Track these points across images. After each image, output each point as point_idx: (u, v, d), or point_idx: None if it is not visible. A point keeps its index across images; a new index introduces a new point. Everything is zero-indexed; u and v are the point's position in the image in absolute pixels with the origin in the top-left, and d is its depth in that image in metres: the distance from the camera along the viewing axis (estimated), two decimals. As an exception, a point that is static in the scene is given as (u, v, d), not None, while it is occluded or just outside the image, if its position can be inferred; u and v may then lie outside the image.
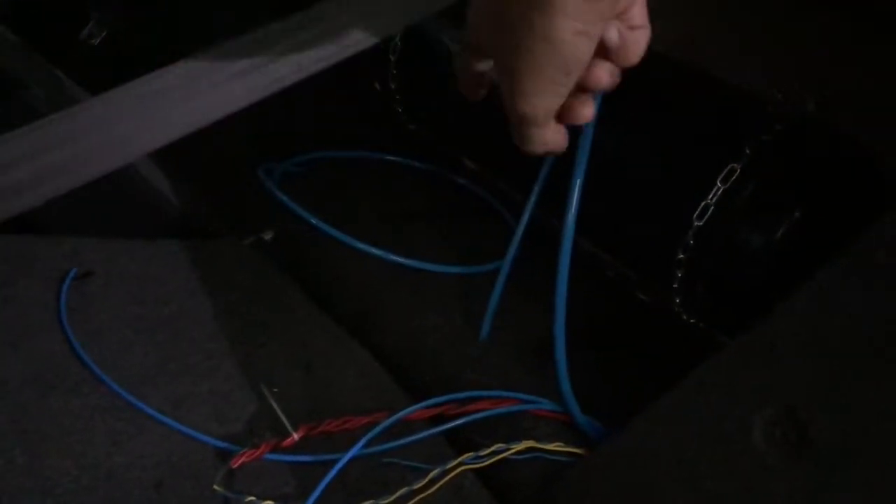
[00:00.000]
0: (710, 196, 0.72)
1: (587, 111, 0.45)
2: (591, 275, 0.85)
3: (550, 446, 0.64)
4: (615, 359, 0.79)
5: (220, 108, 0.47)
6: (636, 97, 0.77)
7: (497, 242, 0.86)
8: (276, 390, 0.68)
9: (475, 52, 0.46)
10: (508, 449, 0.63)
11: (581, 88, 0.44)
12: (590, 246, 0.86)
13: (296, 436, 0.63)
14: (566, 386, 0.65)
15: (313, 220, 0.90)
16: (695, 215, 0.73)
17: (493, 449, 0.63)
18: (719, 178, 0.72)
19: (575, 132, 0.72)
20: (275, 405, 0.66)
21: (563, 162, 0.77)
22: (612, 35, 0.43)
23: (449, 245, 0.92)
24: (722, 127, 0.75)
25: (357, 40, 0.51)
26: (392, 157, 1.03)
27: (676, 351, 0.77)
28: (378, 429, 0.63)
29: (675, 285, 0.77)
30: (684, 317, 0.79)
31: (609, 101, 0.68)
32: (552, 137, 0.45)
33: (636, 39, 0.44)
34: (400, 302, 0.84)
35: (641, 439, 0.61)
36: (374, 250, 0.88)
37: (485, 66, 0.47)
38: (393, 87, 1.03)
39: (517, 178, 0.95)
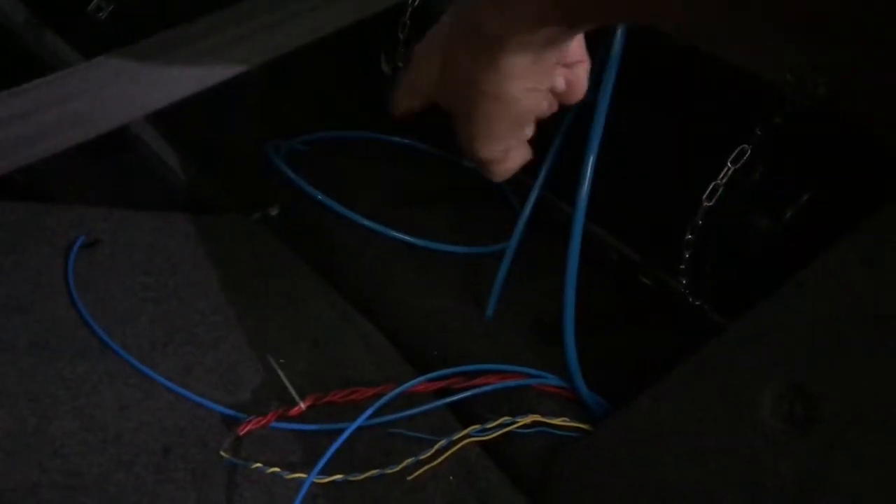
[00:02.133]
0: (720, 176, 0.72)
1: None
2: (595, 257, 0.85)
3: (556, 421, 0.64)
4: (620, 339, 0.80)
5: (219, 73, 0.47)
6: (647, 80, 0.78)
7: (502, 224, 0.87)
8: (282, 361, 0.68)
9: (416, 92, 0.46)
10: (514, 422, 0.63)
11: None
12: (594, 227, 0.87)
13: (302, 405, 0.63)
14: (573, 361, 0.65)
15: (319, 196, 0.90)
16: (704, 196, 0.73)
17: (499, 422, 0.63)
18: (729, 159, 0.72)
19: (587, 114, 0.73)
20: (282, 375, 0.66)
21: (569, 144, 0.78)
22: (559, 83, 0.44)
23: (454, 225, 0.92)
24: (733, 108, 0.75)
25: (360, 6, 0.51)
26: (400, 140, 1.03)
27: (681, 332, 0.77)
28: (384, 399, 0.63)
29: (682, 266, 0.77)
30: (690, 299, 0.79)
31: (620, 84, 0.69)
32: (513, 165, 0.46)
33: (578, 76, 0.45)
34: (406, 280, 0.84)
35: (647, 415, 0.61)
36: (380, 228, 0.88)
37: (420, 103, 0.47)
38: (401, 66, 1.03)
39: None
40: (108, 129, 0.43)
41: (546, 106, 0.44)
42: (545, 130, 0.79)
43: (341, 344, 0.74)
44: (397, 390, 0.64)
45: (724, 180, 0.72)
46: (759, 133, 0.71)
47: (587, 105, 0.73)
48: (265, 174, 0.93)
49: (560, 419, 0.64)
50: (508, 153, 0.45)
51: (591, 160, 0.65)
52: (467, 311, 0.81)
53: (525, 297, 0.83)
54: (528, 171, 0.81)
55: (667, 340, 0.77)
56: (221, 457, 0.59)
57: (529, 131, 0.44)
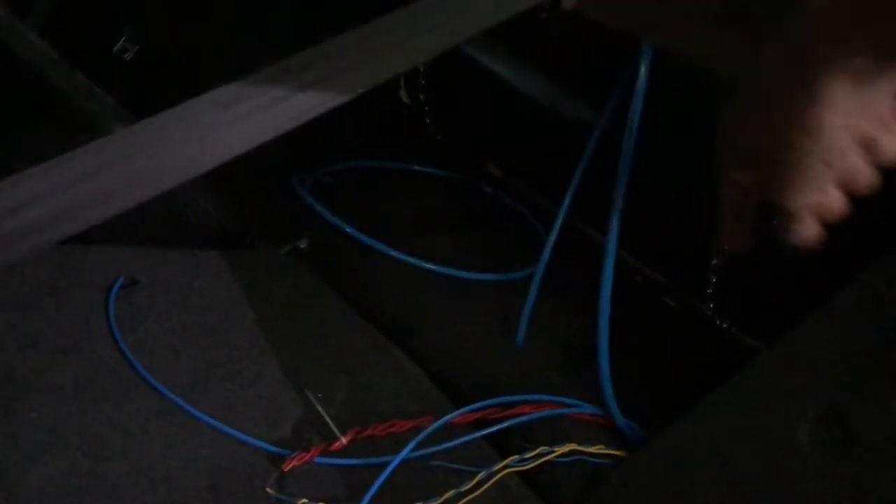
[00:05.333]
0: (746, 200, 0.73)
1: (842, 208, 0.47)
2: (622, 281, 0.86)
3: (592, 449, 0.65)
4: (650, 364, 0.80)
5: (256, 136, 0.47)
6: (671, 105, 0.79)
7: (526, 249, 0.89)
8: (320, 395, 0.69)
9: (734, 162, 0.50)
10: (552, 451, 0.65)
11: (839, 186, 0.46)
12: (620, 251, 0.87)
13: (344, 440, 0.64)
14: (608, 389, 0.66)
15: (348, 229, 0.91)
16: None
17: (536, 452, 0.64)
18: (754, 184, 0.73)
19: (611, 139, 0.74)
20: (321, 410, 0.67)
21: (594, 169, 0.80)
22: (883, 142, 0.44)
23: (479, 252, 0.93)
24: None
25: (389, 67, 0.52)
26: (421, 168, 1.05)
27: (710, 355, 0.78)
28: (426, 432, 0.64)
29: (709, 290, 0.78)
30: (717, 322, 0.80)
31: (646, 109, 0.70)
32: (809, 233, 0.48)
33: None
34: (436, 309, 0.86)
35: (683, 440, 0.62)
36: (408, 258, 0.89)
37: (743, 175, 0.51)
38: (421, 98, 1.05)
39: (544, 185, 0.98)
40: (161, 192, 0.45)
41: (858, 164, 0.45)
42: (570, 155, 0.81)
43: (376, 375, 0.75)
44: (437, 424, 0.65)
45: (749, 205, 0.73)
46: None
47: (610, 131, 0.76)
48: (293, 207, 0.95)
49: (596, 447, 0.66)
50: (808, 211, 0.46)
51: (622, 187, 0.66)
52: (498, 339, 0.82)
53: (554, 323, 0.84)
54: (552, 195, 0.84)
55: (696, 363, 0.78)
56: (268, 493, 0.60)
57: (829, 177, 0.45)
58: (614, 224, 0.62)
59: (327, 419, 0.66)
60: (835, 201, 0.47)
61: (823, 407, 0.55)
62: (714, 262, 0.76)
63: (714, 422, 0.61)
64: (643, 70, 0.67)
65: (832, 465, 0.53)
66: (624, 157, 0.67)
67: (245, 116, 0.45)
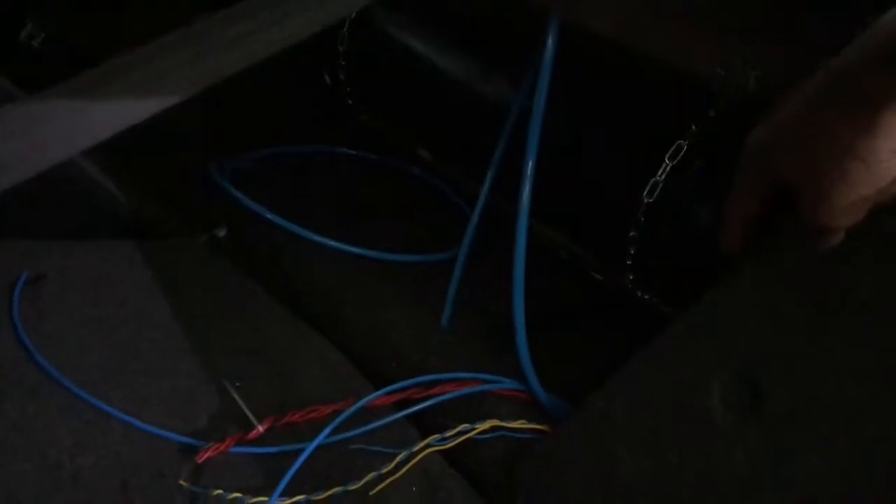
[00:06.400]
0: (659, 173, 0.73)
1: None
2: (546, 256, 0.86)
3: (514, 424, 0.65)
4: (574, 338, 0.81)
5: (158, 102, 0.46)
6: (584, 82, 0.79)
7: (453, 230, 0.87)
8: (238, 385, 0.68)
9: (765, 175, 0.51)
10: (473, 429, 0.64)
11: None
12: (543, 228, 0.87)
13: (261, 428, 0.63)
14: (526, 363, 0.66)
15: (268, 215, 0.89)
16: (644, 193, 0.74)
17: (458, 429, 0.64)
18: (667, 156, 0.73)
19: (525, 117, 0.74)
20: (238, 399, 0.66)
21: (515, 148, 0.79)
22: None
23: (406, 235, 0.92)
24: (668, 105, 0.77)
25: (299, 29, 0.51)
26: (345, 150, 1.03)
27: (633, 328, 0.78)
28: (343, 416, 0.63)
29: (628, 262, 0.78)
30: (639, 293, 0.81)
31: (556, 86, 0.70)
32: (836, 241, 0.50)
33: None
34: (360, 293, 0.84)
35: (601, 412, 0.62)
36: (330, 243, 0.87)
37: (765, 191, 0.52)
38: (342, 78, 1.03)
39: (470, 166, 0.95)
40: (47, 167, 0.43)
41: None
42: (493, 134, 0.81)
43: (298, 363, 0.73)
44: (356, 406, 0.64)
45: (662, 176, 0.73)
46: (694, 128, 0.73)
47: (528, 109, 0.74)
48: (210, 194, 0.92)
49: (518, 422, 0.65)
50: (843, 228, 0.48)
51: (530, 162, 0.66)
52: (423, 321, 0.81)
53: (479, 303, 0.83)
54: (478, 176, 0.83)
55: (620, 336, 0.78)
56: (181, 486, 0.58)
57: (874, 201, 0.46)
58: (525, 195, 0.61)
59: (244, 408, 0.65)
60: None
61: (733, 371, 0.56)
62: (632, 233, 0.76)
63: (629, 392, 0.61)
64: (550, 42, 0.66)
65: (743, 428, 0.54)
66: (532, 128, 0.66)
67: (138, 86, 0.43)
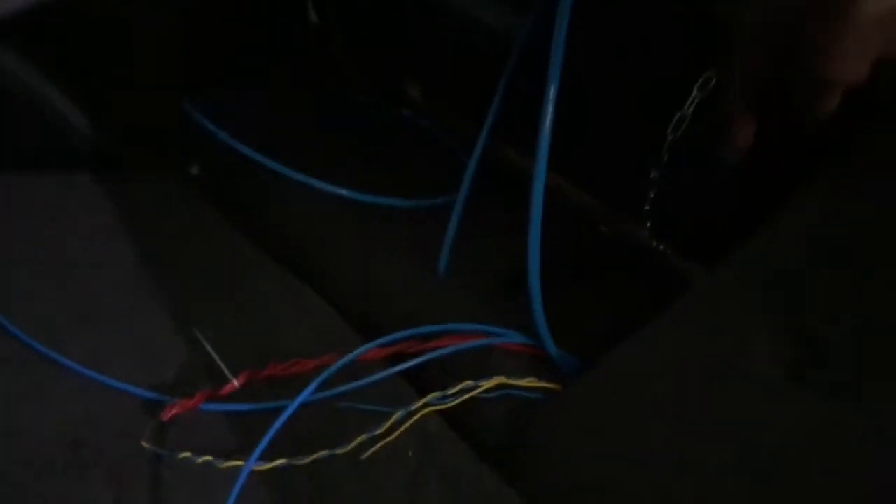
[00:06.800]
0: (686, 106, 0.66)
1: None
2: (551, 205, 0.80)
3: (522, 382, 0.58)
4: (583, 290, 0.73)
5: None
6: (602, 11, 0.71)
7: (446, 174, 0.80)
8: (210, 335, 0.60)
9: (755, 37, 0.51)
10: (477, 386, 0.57)
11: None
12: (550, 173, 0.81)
13: (236, 382, 0.55)
14: (540, 316, 0.58)
15: (246, 151, 0.81)
16: (669, 128, 0.67)
17: (460, 387, 0.56)
18: (696, 86, 0.66)
19: (533, 57, 0.67)
20: (210, 350, 0.58)
21: (514, 88, 0.71)
22: None
23: (396, 178, 0.84)
24: (699, 33, 0.69)
25: None
26: (332, 89, 0.95)
27: (648, 282, 0.72)
28: (330, 370, 0.55)
29: (646, 208, 0.71)
30: (654, 243, 0.74)
31: (572, 18, 0.62)
32: (831, 108, 0.51)
33: None
34: (347, 239, 0.76)
35: (622, 371, 0.55)
36: (315, 182, 0.79)
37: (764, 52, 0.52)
38: (327, 13, 0.96)
39: (465, 105, 0.89)
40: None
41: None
42: (493, 69, 0.74)
43: (278, 313, 0.66)
44: (344, 359, 0.56)
45: (690, 110, 0.66)
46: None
47: (531, 48, 0.68)
48: (185, 129, 0.84)
49: (527, 380, 0.58)
50: (857, 77, 0.48)
51: (550, 103, 0.57)
52: (417, 270, 0.74)
53: (479, 252, 0.76)
54: (475, 116, 0.76)
55: (632, 290, 0.72)
56: (143, 448, 0.51)
57: (874, 49, 0.46)
58: (544, 143, 0.53)
59: (217, 360, 0.57)
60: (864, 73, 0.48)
61: (782, 324, 0.48)
62: (652, 174, 0.69)
63: (655, 349, 0.54)
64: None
65: (795, 388, 0.47)
66: (553, 64, 0.58)
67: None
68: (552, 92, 0.52)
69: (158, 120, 0.86)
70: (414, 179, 0.85)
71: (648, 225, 0.72)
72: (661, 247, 0.74)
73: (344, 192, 0.80)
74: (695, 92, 0.66)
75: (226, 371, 0.56)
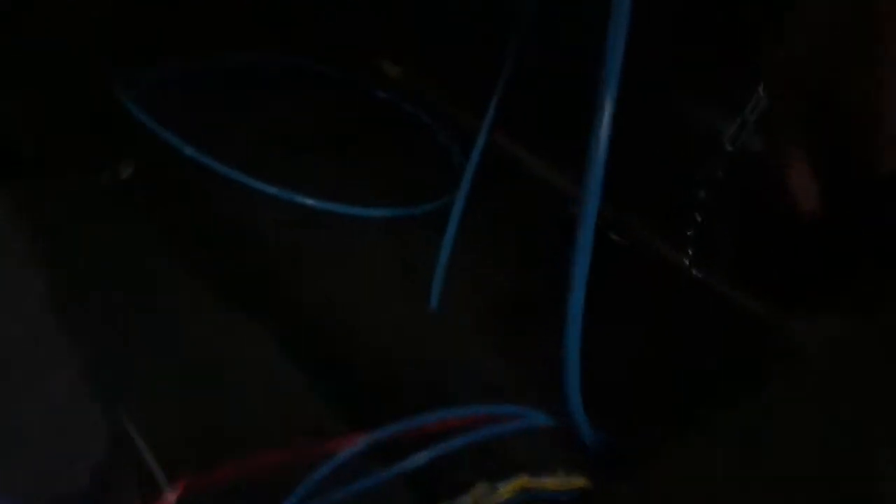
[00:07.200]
0: (749, 110, 0.54)
1: None
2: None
3: (549, 483, 0.44)
4: (613, 328, 0.61)
5: None
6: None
7: (433, 175, 0.71)
8: (143, 416, 0.46)
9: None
10: (494, 490, 0.43)
11: None
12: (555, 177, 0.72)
13: (170, 498, 0.41)
14: (576, 396, 0.45)
15: (189, 151, 0.68)
16: (726, 137, 0.55)
17: (472, 497, 0.43)
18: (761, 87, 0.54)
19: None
20: (139, 443, 0.44)
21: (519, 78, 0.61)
22: None
23: (372, 180, 0.72)
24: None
25: None
26: (291, 64, 0.84)
27: (694, 320, 0.60)
28: (307, 484, 0.41)
29: (688, 233, 0.59)
30: (694, 272, 0.62)
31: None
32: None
33: None
34: (311, 259, 0.63)
35: (693, 471, 0.42)
36: (274, 190, 0.67)
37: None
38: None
39: (458, 87, 0.80)
40: None
41: None
42: (495, 45, 0.61)
43: (227, 371, 0.52)
44: (324, 470, 0.42)
45: (753, 116, 0.54)
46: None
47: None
48: (115, 120, 0.71)
49: (555, 479, 0.45)
50: None
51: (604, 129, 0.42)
52: (403, 302, 0.62)
53: (479, 277, 0.64)
54: (470, 101, 0.65)
55: (674, 330, 0.59)
56: None
57: None
58: (602, 139, 0.39)
59: (147, 458, 0.43)
60: None
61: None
62: (700, 195, 0.57)
63: (741, 444, 0.41)
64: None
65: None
66: (611, 69, 0.43)
67: None
68: (605, 118, 0.38)
69: (82, 108, 0.73)
70: (394, 182, 0.72)
71: (689, 252, 0.60)
72: (701, 275, 0.62)
73: (308, 201, 0.68)
74: (760, 91, 0.53)
75: (159, 476, 0.42)
